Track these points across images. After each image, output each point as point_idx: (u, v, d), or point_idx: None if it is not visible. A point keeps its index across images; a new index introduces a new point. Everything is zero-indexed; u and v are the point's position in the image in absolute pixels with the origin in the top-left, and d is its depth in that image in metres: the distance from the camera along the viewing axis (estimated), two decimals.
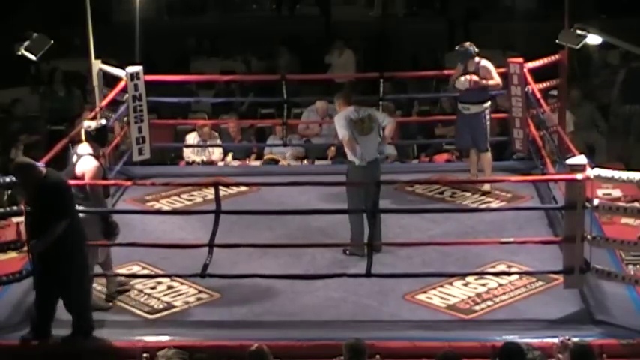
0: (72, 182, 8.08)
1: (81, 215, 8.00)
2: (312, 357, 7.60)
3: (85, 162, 8.22)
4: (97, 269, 8.44)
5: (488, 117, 10.59)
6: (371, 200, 8.64)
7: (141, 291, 8.65)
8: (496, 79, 10.57)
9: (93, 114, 10.93)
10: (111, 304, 8.42)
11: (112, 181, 8.27)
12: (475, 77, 10.43)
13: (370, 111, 9.44)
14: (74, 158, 8.37)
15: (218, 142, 12.31)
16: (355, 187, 9.09)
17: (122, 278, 8.67)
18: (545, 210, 9.99)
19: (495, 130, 11.52)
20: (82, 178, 8.18)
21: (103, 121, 8.70)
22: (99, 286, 8.56)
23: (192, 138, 12.28)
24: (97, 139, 8.36)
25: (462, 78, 10.52)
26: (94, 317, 8.19)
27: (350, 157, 9.20)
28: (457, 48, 10.73)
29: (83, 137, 8.44)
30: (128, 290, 8.63)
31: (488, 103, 10.61)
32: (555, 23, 11.00)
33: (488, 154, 10.71)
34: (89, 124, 8.49)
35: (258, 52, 17.33)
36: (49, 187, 7.63)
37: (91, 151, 8.28)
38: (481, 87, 10.46)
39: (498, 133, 11.64)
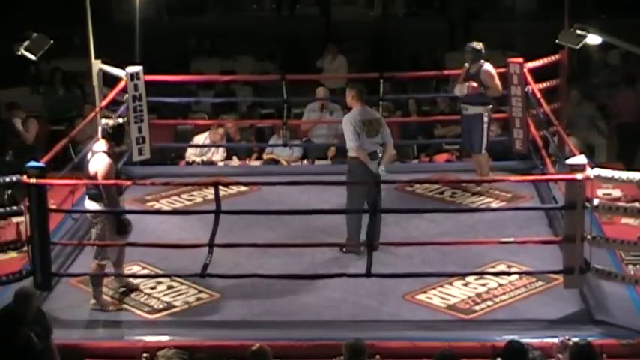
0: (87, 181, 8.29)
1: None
2: (312, 357, 7.60)
3: (97, 160, 8.25)
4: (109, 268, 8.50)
5: (486, 119, 10.55)
6: (371, 198, 8.65)
7: (141, 291, 8.65)
8: (497, 86, 10.51)
9: (93, 114, 10.98)
10: (118, 306, 8.44)
11: (112, 181, 8.25)
12: (474, 84, 10.40)
13: (378, 115, 9.45)
14: (89, 155, 8.42)
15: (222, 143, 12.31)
16: (357, 185, 9.09)
17: (132, 282, 8.69)
18: (545, 210, 9.99)
19: (497, 132, 11.52)
20: (94, 176, 8.23)
21: (120, 120, 8.73)
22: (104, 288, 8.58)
23: (202, 139, 12.25)
24: (114, 136, 8.36)
25: (459, 85, 10.51)
26: (96, 317, 8.23)
27: (351, 152, 9.16)
28: (473, 45, 10.54)
29: (100, 134, 8.45)
30: (135, 290, 8.66)
31: (488, 107, 10.56)
32: (555, 23, 11.01)
33: (482, 156, 10.64)
34: (106, 122, 8.52)
35: (258, 52, 17.34)
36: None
37: (105, 148, 8.31)
38: (479, 93, 10.44)
39: (499, 133, 11.65)
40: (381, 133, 9.20)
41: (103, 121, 8.67)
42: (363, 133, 9.08)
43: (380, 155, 9.17)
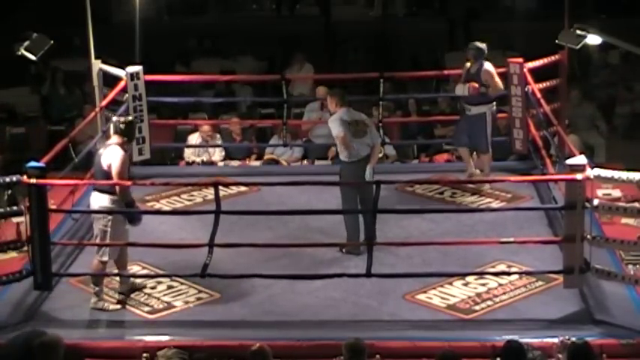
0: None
1: (106, 205, 8.23)
2: (312, 357, 7.60)
3: (111, 152, 8.29)
4: (111, 268, 8.50)
5: (490, 119, 10.58)
6: (366, 199, 8.66)
7: (141, 291, 8.65)
8: (497, 85, 10.53)
9: (93, 114, 10.98)
10: (119, 305, 8.43)
11: (112, 181, 8.25)
12: (475, 85, 10.41)
13: (364, 116, 9.44)
14: (101, 150, 8.43)
15: (219, 142, 12.31)
16: (349, 186, 9.10)
17: (137, 282, 8.69)
18: (545, 210, 9.99)
19: (500, 131, 11.50)
20: (109, 168, 8.25)
21: (130, 117, 8.76)
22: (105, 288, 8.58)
23: (194, 138, 12.27)
24: (126, 132, 8.40)
25: (461, 85, 10.51)
26: (96, 317, 8.22)
27: (342, 155, 9.20)
28: (477, 44, 10.59)
29: (111, 131, 8.48)
30: (141, 289, 8.66)
31: (491, 105, 10.59)
32: (555, 23, 11.00)
33: (488, 155, 10.71)
34: (117, 118, 8.58)
35: (258, 52, 17.34)
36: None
37: (119, 142, 8.35)
38: (481, 94, 10.44)
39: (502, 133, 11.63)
40: (369, 134, 9.22)
41: (114, 118, 8.73)
42: (349, 134, 9.10)
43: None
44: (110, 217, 8.29)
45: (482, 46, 10.59)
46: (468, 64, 10.63)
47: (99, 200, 8.33)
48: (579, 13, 11.32)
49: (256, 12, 22.15)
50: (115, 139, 8.40)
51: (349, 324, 8.03)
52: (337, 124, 9.16)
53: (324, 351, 7.52)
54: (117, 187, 8.23)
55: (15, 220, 8.95)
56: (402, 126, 13.21)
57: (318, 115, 12.64)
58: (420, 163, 12.35)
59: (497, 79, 10.54)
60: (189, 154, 12.28)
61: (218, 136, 12.31)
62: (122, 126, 8.39)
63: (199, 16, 21.12)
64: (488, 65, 10.53)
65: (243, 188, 10.70)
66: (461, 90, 10.57)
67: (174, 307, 8.43)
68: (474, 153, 10.92)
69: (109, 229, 8.29)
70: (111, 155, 8.27)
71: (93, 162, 8.65)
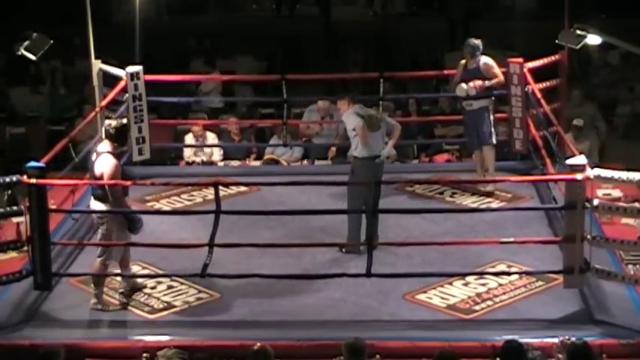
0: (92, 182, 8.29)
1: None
2: (312, 357, 7.60)
3: (103, 160, 8.24)
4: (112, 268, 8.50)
5: (492, 109, 10.57)
6: (372, 198, 8.66)
7: (141, 291, 8.65)
8: (499, 76, 10.53)
9: (93, 114, 10.99)
10: (119, 306, 8.43)
11: (112, 181, 8.24)
12: (479, 82, 10.38)
13: (375, 111, 9.48)
14: (93, 156, 8.41)
15: (216, 141, 12.31)
16: (357, 185, 9.11)
17: (137, 282, 8.69)
18: (545, 210, 9.99)
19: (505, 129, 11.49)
20: (101, 177, 8.22)
21: (124, 120, 8.73)
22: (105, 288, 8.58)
23: (189, 138, 12.29)
24: (117, 137, 8.36)
25: (464, 85, 10.46)
26: (96, 317, 8.22)
27: (356, 151, 9.19)
28: (472, 40, 10.60)
29: (103, 135, 8.45)
30: (141, 289, 8.66)
31: (491, 98, 10.58)
32: (555, 23, 11.01)
33: (492, 151, 10.66)
34: (110, 122, 8.50)
35: (258, 52, 17.35)
36: None
37: (110, 148, 8.30)
38: (485, 89, 10.42)
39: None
40: (383, 128, 9.23)
41: (107, 121, 8.66)
42: (365, 127, 9.13)
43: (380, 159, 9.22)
44: (111, 222, 8.28)
45: (477, 42, 10.56)
46: (463, 62, 10.61)
47: (98, 207, 8.32)
48: (579, 13, 11.32)
49: (256, 12, 22.19)
50: (106, 145, 8.34)
51: (349, 324, 8.03)
52: (353, 117, 9.17)
53: (324, 351, 7.52)
54: (109, 195, 8.21)
55: (15, 220, 8.96)
56: (402, 126, 13.19)
57: (318, 117, 12.62)
58: (420, 163, 12.35)
59: (497, 70, 10.53)
60: (188, 153, 12.29)
61: (211, 135, 12.30)
62: (113, 131, 8.32)
63: (199, 16, 21.15)
64: (485, 58, 10.51)
65: (243, 188, 10.70)
66: (462, 91, 10.49)
67: (174, 307, 8.43)
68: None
69: (112, 234, 8.29)
70: (103, 164, 8.22)
71: (88, 166, 8.59)
